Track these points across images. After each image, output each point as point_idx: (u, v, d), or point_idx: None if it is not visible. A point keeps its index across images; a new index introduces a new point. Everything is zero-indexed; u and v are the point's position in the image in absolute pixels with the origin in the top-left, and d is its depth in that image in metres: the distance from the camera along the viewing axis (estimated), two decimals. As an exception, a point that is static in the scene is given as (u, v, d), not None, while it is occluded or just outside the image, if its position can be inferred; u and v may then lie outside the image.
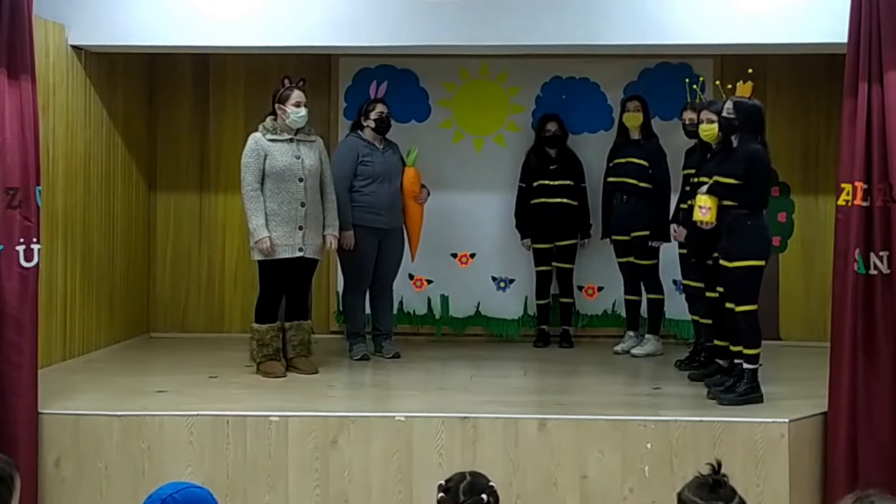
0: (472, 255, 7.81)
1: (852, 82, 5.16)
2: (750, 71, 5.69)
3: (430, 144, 7.52)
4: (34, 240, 5.17)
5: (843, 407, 5.18)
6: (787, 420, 5.18)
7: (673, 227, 6.62)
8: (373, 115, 6.82)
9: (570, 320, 7.58)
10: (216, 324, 7.86)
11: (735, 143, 5.57)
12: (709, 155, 6.01)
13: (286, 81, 6.29)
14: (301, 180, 6.21)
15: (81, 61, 6.75)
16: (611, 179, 7.16)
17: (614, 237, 7.17)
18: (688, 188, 6.31)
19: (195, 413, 5.26)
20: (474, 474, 3.17)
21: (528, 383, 6.48)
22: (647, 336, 7.11)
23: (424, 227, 7.05)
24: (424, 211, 7.04)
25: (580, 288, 7.70)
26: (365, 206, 6.74)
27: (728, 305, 5.64)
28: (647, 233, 6.93)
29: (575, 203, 7.40)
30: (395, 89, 7.20)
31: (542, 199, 7.38)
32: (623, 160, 7.06)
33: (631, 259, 7.10)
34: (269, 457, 5.18)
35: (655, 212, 6.92)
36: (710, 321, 6.19)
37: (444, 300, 7.81)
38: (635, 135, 7.10)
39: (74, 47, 6.62)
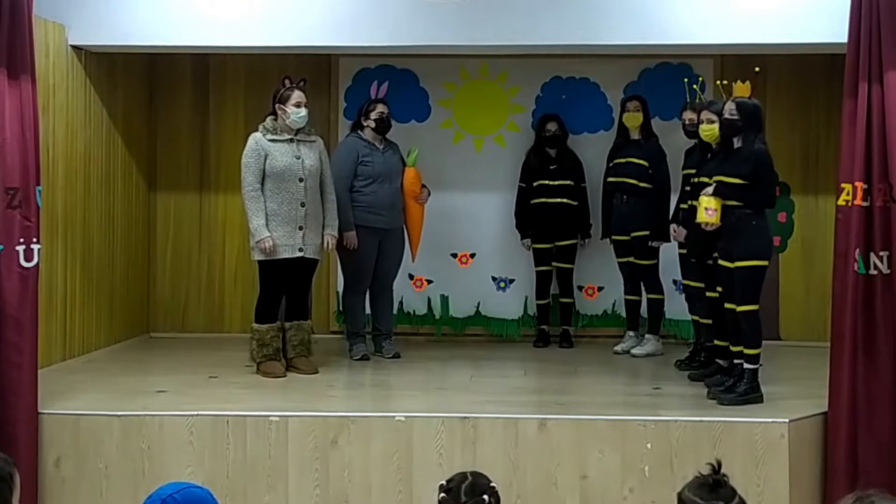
0: (472, 255, 7.81)
1: (852, 82, 5.16)
2: (757, 69, 5.69)
3: (430, 144, 7.52)
4: (34, 240, 5.17)
5: (843, 407, 5.18)
6: (787, 420, 5.18)
7: (673, 227, 6.62)
8: (373, 116, 6.82)
9: (570, 320, 7.58)
10: (216, 324, 7.86)
11: (737, 144, 5.57)
12: (709, 155, 6.01)
13: (287, 81, 6.29)
14: (301, 180, 6.21)
15: (81, 61, 6.75)
16: (611, 179, 7.16)
17: (614, 237, 7.17)
18: (688, 188, 6.31)
19: (195, 413, 5.26)
20: (476, 475, 3.16)
21: (528, 383, 6.47)
22: (647, 336, 7.11)
23: (424, 227, 7.05)
24: (425, 211, 7.04)
25: (580, 288, 7.70)
26: (365, 206, 6.74)
27: (728, 306, 5.63)
28: (647, 233, 6.93)
29: (575, 203, 7.40)
30: (395, 89, 7.20)
31: (542, 199, 7.38)
32: (623, 160, 7.06)
33: (631, 259, 7.10)
34: (269, 457, 5.18)
35: (655, 212, 6.92)
36: (710, 321, 6.18)
37: (444, 300, 7.81)
38: (635, 135, 7.10)
39: (74, 47, 6.62)
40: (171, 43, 6.58)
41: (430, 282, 7.78)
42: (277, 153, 6.18)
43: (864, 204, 5.12)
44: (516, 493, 5.08)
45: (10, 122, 5.09)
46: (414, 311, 7.79)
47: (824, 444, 5.28)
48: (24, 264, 5.11)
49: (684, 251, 6.48)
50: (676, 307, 7.27)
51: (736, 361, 5.69)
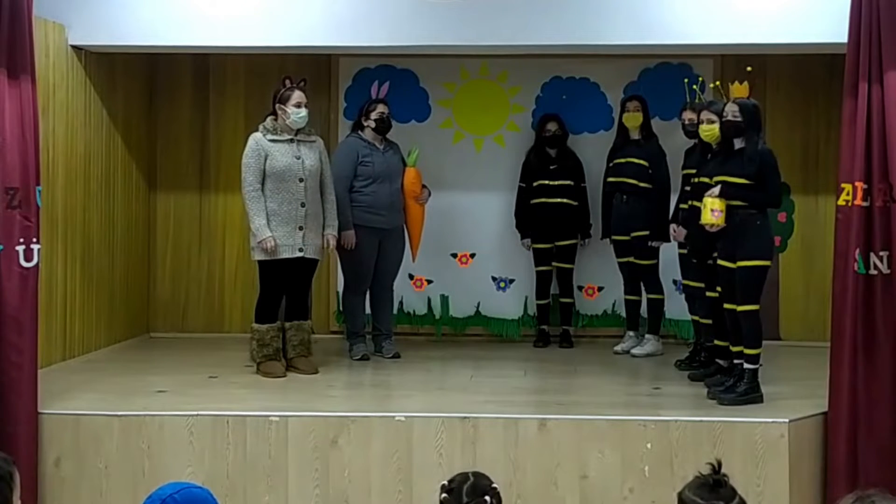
0: (472, 255, 7.81)
1: (852, 82, 5.16)
2: (749, 69, 5.68)
3: (431, 144, 7.52)
4: (34, 240, 5.17)
5: (843, 407, 5.18)
6: (787, 420, 5.18)
7: (673, 227, 6.62)
8: (373, 116, 6.82)
9: (570, 320, 7.57)
10: (216, 324, 7.86)
11: (739, 144, 5.56)
12: (709, 155, 6.01)
13: (287, 82, 6.29)
14: (301, 180, 6.21)
15: (81, 61, 6.75)
16: (611, 179, 7.16)
17: (614, 237, 7.17)
18: (688, 188, 6.31)
19: (195, 413, 5.26)
20: (477, 475, 3.17)
21: (528, 383, 6.47)
22: (647, 336, 7.11)
23: (424, 227, 7.05)
24: (425, 211, 7.04)
25: (580, 288, 7.70)
26: (365, 206, 6.74)
27: (728, 306, 5.63)
28: (646, 233, 6.93)
29: (575, 203, 7.40)
30: (395, 89, 7.19)
31: (542, 199, 7.38)
32: (623, 160, 7.06)
33: (631, 259, 7.09)
34: (269, 457, 5.18)
35: (655, 212, 6.92)
36: (710, 321, 6.18)
37: (444, 300, 7.81)
38: (635, 135, 7.10)
39: (74, 47, 6.62)
40: (170, 43, 6.57)
41: (430, 282, 7.78)
42: (278, 153, 6.18)
43: (865, 204, 5.12)
44: (516, 493, 5.08)
45: (10, 122, 5.09)
46: (414, 311, 7.79)
47: (824, 444, 5.28)
48: (24, 264, 5.11)
49: (684, 251, 6.48)
50: (676, 307, 7.28)
51: (736, 361, 5.69)
